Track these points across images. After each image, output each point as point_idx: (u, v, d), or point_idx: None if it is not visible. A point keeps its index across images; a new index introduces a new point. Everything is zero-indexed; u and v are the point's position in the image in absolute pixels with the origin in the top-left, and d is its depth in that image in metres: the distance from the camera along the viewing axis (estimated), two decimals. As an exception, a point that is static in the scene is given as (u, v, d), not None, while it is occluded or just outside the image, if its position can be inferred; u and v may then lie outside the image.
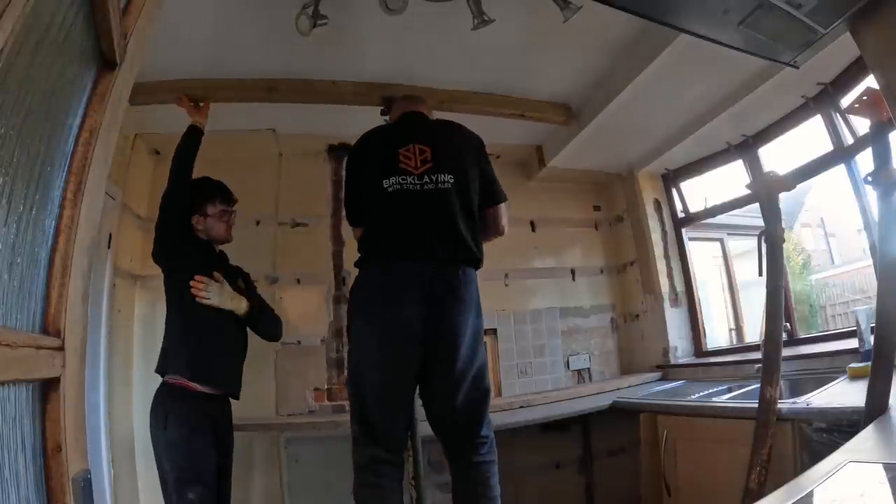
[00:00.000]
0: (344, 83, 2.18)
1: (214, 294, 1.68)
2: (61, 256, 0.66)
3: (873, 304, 1.30)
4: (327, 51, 1.97)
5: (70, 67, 0.68)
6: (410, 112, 1.74)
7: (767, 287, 1.62)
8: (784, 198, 1.69)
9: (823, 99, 2.25)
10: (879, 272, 1.30)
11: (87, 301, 0.72)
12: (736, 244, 3.89)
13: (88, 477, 0.67)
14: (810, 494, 0.74)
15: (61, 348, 0.64)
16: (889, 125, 1.29)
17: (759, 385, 1.59)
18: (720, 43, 1.39)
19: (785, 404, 1.55)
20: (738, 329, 3.36)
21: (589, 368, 3.10)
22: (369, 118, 2.05)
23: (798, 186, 1.88)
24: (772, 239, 1.62)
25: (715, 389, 2.22)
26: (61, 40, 0.64)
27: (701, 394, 2.15)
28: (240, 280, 1.84)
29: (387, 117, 2.07)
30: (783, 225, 1.64)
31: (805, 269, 8.04)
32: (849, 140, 2.20)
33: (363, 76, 2.17)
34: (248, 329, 1.83)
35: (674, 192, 3.20)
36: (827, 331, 2.53)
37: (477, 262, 1.58)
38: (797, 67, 1.54)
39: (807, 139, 2.54)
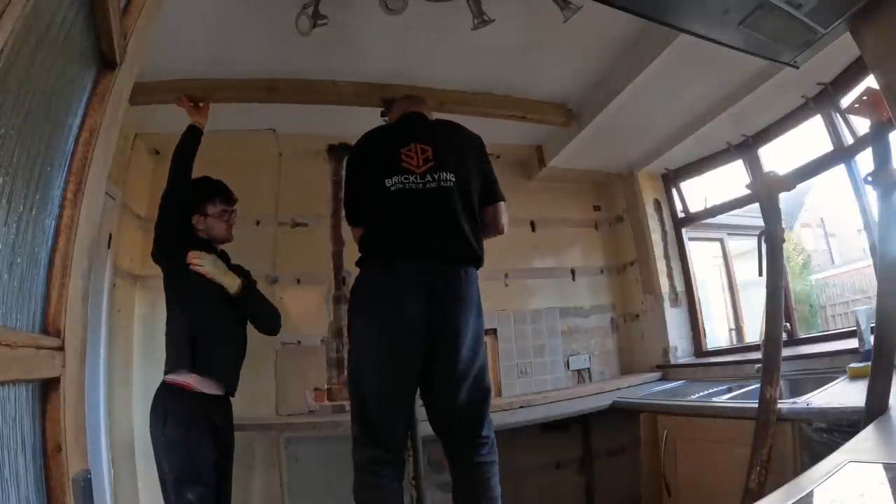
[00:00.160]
0: (344, 83, 2.18)
1: (208, 262, 1.67)
2: (61, 256, 0.66)
3: (873, 304, 1.30)
4: (327, 51, 1.97)
5: (70, 67, 0.69)
6: (410, 112, 1.74)
7: (767, 287, 1.62)
8: (784, 198, 1.69)
9: (823, 99, 2.25)
10: (879, 272, 1.30)
11: (87, 301, 0.72)
12: (736, 244, 3.89)
13: (88, 477, 0.67)
14: (810, 494, 0.74)
15: (61, 348, 0.64)
16: (889, 125, 1.29)
17: (759, 385, 1.59)
18: (720, 43, 1.38)
19: (785, 404, 1.55)
20: (738, 329, 3.36)
21: (589, 368, 3.10)
22: (369, 118, 2.05)
23: (798, 186, 1.88)
24: (772, 239, 1.62)
25: (715, 389, 2.22)
26: (61, 40, 0.64)
27: (701, 394, 2.15)
28: (244, 279, 1.84)
29: (387, 118, 2.07)
30: (783, 225, 1.64)
31: (805, 269, 8.04)
32: (849, 140, 2.20)
33: (363, 76, 2.17)
34: (247, 328, 1.83)
35: (674, 192, 3.20)
36: (827, 331, 2.53)
37: (478, 261, 1.58)
38: (797, 67, 1.54)
39: (807, 139, 2.54)
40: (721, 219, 3.15)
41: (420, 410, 1.61)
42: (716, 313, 3.88)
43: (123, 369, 2.24)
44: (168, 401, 1.61)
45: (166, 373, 1.66)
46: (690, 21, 1.34)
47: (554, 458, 2.60)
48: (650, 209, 3.13)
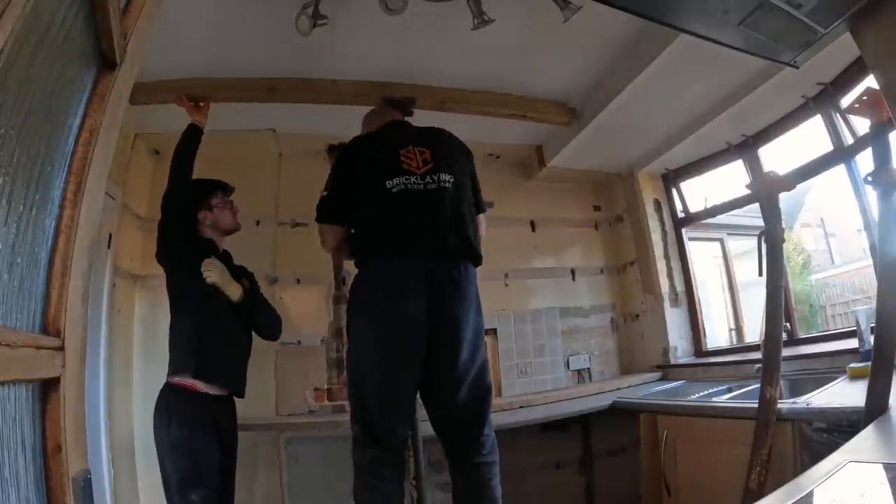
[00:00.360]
0: (344, 83, 2.17)
1: (216, 272, 1.67)
2: (61, 256, 0.66)
3: (873, 304, 1.30)
4: (327, 51, 1.97)
5: (70, 67, 0.68)
6: (393, 121, 1.76)
7: (767, 287, 1.62)
8: (784, 198, 1.69)
9: (823, 99, 2.25)
10: (879, 272, 1.30)
11: (87, 301, 0.72)
12: (736, 244, 3.89)
13: (88, 477, 0.67)
14: (810, 494, 0.74)
15: (61, 348, 0.64)
16: (889, 125, 1.29)
17: (759, 385, 1.59)
18: (720, 43, 1.38)
19: (785, 404, 1.55)
20: (738, 329, 3.36)
21: (589, 368, 3.10)
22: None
23: (798, 186, 1.88)
24: (772, 239, 1.62)
25: (715, 389, 2.22)
26: (61, 40, 0.64)
27: (701, 394, 2.15)
28: (244, 280, 1.84)
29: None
30: (783, 225, 1.64)
31: (805, 269, 8.04)
32: (849, 140, 2.20)
33: (363, 76, 2.17)
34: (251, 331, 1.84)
35: (674, 192, 3.20)
36: (827, 331, 2.53)
37: (478, 259, 1.59)
38: (797, 67, 1.54)
39: (807, 139, 2.54)
40: (721, 219, 3.16)
41: (420, 410, 1.61)
42: (716, 313, 3.88)
43: (123, 369, 2.24)
44: (172, 401, 1.61)
45: (170, 375, 1.65)
46: (690, 21, 1.34)
47: (554, 458, 2.59)
48: (650, 209, 3.13)
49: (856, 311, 1.97)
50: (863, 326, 1.79)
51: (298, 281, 2.62)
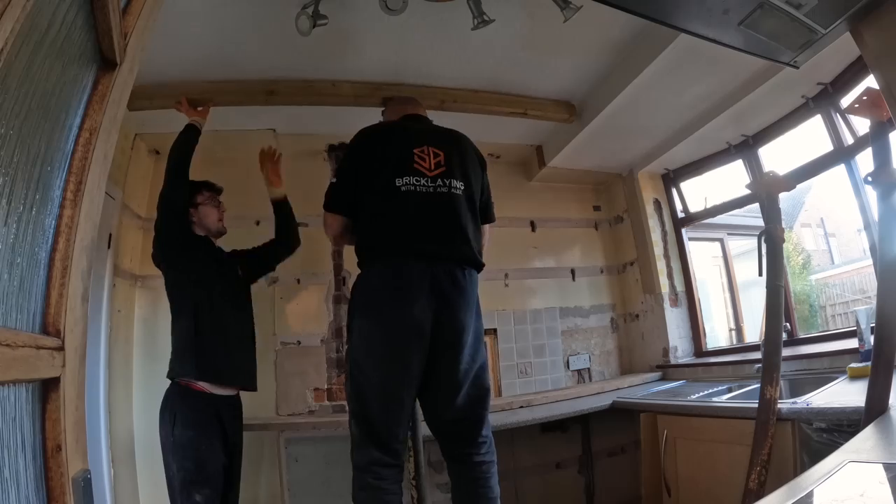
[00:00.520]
0: (343, 84, 2.17)
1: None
2: (61, 256, 0.66)
3: (873, 304, 1.30)
4: (327, 51, 1.97)
5: (70, 67, 0.68)
6: (412, 114, 1.73)
7: (767, 287, 1.62)
8: (784, 198, 1.69)
9: (823, 99, 2.25)
10: (879, 272, 1.30)
11: (87, 301, 0.72)
12: (736, 244, 3.89)
13: (88, 477, 0.67)
14: (810, 494, 0.74)
15: (61, 348, 0.64)
16: (889, 125, 1.29)
17: (759, 385, 1.59)
18: (720, 43, 1.39)
19: (785, 404, 1.55)
20: (738, 329, 3.37)
21: (589, 368, 3.10)
22: (369, 118, 2.04)
23: (798, 186, 1.88)
24: (772, 239, 1.62)
25: (715, 389, 2.22)
26: (61, 40, 0.64)
27: (701, 394, 2.15)
28: (239, 268, 1.84)
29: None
30: (783, 225, 1.64)
31: (805, 269, 8.04)
32: (849, 140, 2.20)
33: (363, 76, 2.17)
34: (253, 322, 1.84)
35: (674, 192, 3.21)
36: (827, 331, 2.53)
37: (480, 267, 1.59)
38: (797, 67, 1.54)
39: (807, 139, 2.54)
40: (721, 219, 3.16)
41: (420, 410, 1.61)
42: (716, 313, 3.88)
43: (123, 369, 2.24)
44: (177, 401, 1.61)
45: (175, 378, 1.65)
46: (690, 21, 1.34)
47: (554, 458, 2.60)
48: (650, 209, 3.13)
49: (856, 311, 1.97)
50: (863, 326, 1.79)
51: (298, 281, 2.62)
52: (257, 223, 2.57)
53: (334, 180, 1.62)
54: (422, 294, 1.42)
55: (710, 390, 2.21)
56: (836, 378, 1.79)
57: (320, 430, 2.26)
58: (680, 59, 1.96)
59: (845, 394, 1.55)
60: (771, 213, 1.64)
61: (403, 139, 1.58)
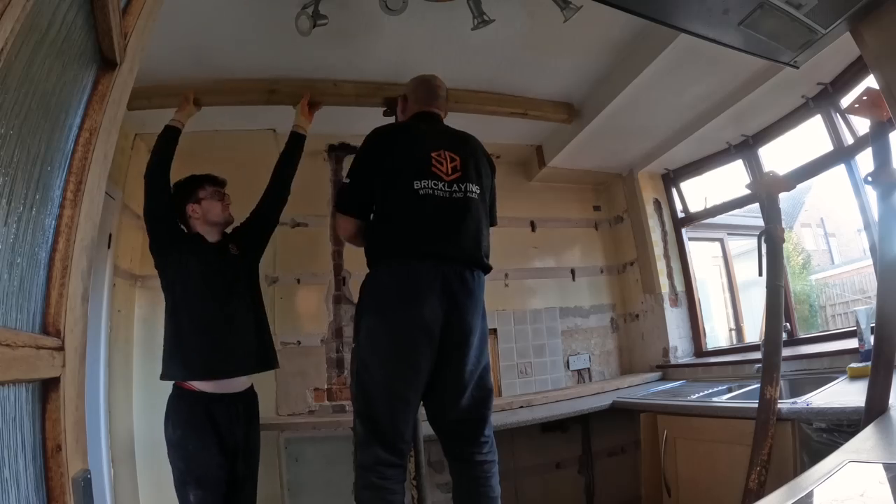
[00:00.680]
0: (345, 84, 2.17)
1: None
2: (61, 256, 0.66)
3: (873, 304, 1.30)
4: (327, 51, 1.97)
5: (70, 67, 0.68)
6: (427, 113, 1.72)
7: (767, 287, 1.62)
8: (784, 198, 1.69)
9: (823, 99, 2.25)
10: (879, 272, 1.30)
11: (87, 301, 0.72)
12: (736, 244, 3.89)
13: (88, 477, 0.67)
14: (810, 494, 0.74)
15: (61, 348, 0.64)
16: (889, 125, 1.29)
17: (759, 385, 1.59)
18: (720, 43, 1.39)
19: (785, 404, 1.55)
20: (738, 329, 3.37)
21: (589, 368, 3.10)
22: (369, 118, 2.05)
23: (798, 186, 1.88)
24: (772, 239, 1.62)
25: (715, 389, 2.22)
26: (61, 40, 0.64)
27: (701, 394, 2.15)
28: (231, 245, 1.82)
29: (391, 117, 2.08)
30: (783, 225, 1.64)
31: (805, 269, 8.04)
32: (849, 140, 2.20)
33: (364, 76, 2.17)
34: (255, 311, 1.81)
35: (674, 192, 3.21)
36: (827, 331, 2.53)
37: (488, 269, 1.61)
38: (797, 67, 1.54)
39: (807, 139, 2.54)
40: (721, 219, 3.16)
41: (420, 410, 1.61)
42: (716, 313, 3.88)
43: (123, 369, 2.24)
44: (172, 402, 1.61)
45: (165, 379, 1.65)
46: (690, 21, 1.34)
47: (554, 458, 2.60)
48: (650, 209, 3.13)
49: (856, 311, 1.97)
50: (863, 326, 1.79)
51: (298, 281, 2.62)
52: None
53: (347, 181, 1.60)
54: (432, 294, 1.43)
55: (710, 390, 2.21)
56: (836, 378, 1.79)
57: (320, 430, 2.26)
58: (680, 59, 1.96)
59: (845, 394, 1.55)
60: (771, 213, 1.64)
61: (420, 142, 1.58)
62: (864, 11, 1.29)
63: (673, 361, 2.93)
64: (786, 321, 2.18)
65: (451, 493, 1.56)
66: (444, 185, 1.52)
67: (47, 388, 0.62)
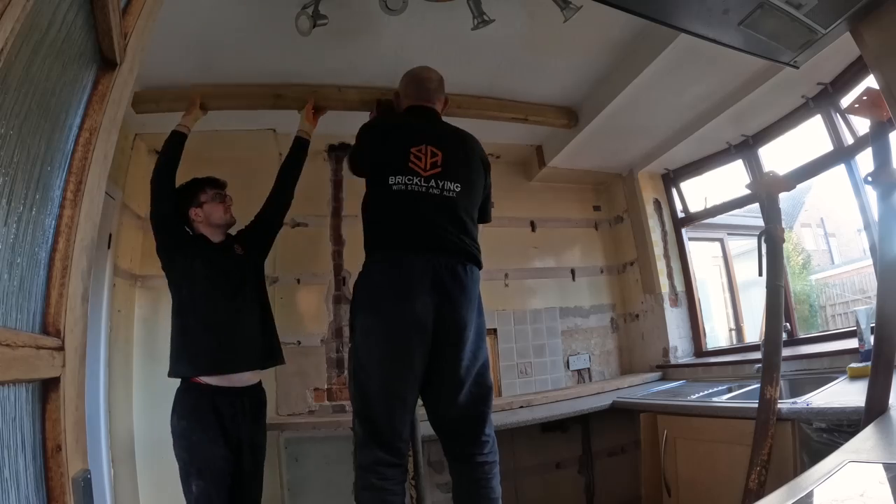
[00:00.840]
0: (349, 90, 2.17)
1: None
2: (61, 256, 0.66)
3: (873, 304, 1.30)
4: (328, 53, 1.97)
5: (70, 67, 0.68)
6: (422, 107, 1.73)
7: (767, 287, 1.62)
8: (784, 198, 1.69)
9: (823, 99, 2.25)
10: (879, 272, 1.30)
11: (87, 301, 0.72)
12: (736, 244, 3.89)
13: (88, 477, 0.67)
14: (810, 494, 0.74)
15: (61, 348, 0.64)
16: (889, 125, 1.29)
17: (759, 385, 1.59)
18: (720, 43, 1.39)
19: (785, 404, 1.55)
20: (738, 329, 3.37)
21: (589, 368, 3.10)
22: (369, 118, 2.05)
23: (798, 186, 1.88)
24: (772, 239, 1.62)
25: (715, 389, 2.22)
26: (61, 40, 0.64)
27: (701, 394, 2.15)
28: (237, 246, 1.83)
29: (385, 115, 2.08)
30: (783, 225, 1.64)
31: (805, 269, 8.04)
32: (849, 140, 2.20)
33: (365, 79, 2.16)
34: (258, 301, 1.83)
35: (674, 192, 3.21)
36: (827, 331, 2.53)
37: (480, 263, 1.59)
38: (797, 67, 1.54)
39: (807, 139, 2.54)
40: (721, 219, 3.16)
41: (419, 410, 1.61)
42: (716, 313, 3.88)
43: (123, 369, 2.24)
44: (178, 393, 1.64)
45: (171, 375, 1.66)
46: (690, 21, 1.34)
47: (554, 458, 2.60)
48: (650, 209, 3.13)
49: (856, 311, 1.97)
50: (863, 326, 1.79)
51: (298, 281, 2.62)
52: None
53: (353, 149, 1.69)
54: (423, 289, 1.42)
55: (710, 390, 2.21)
56: (836, 378, 1.79)
57: (320, 430, 2.26)
58: (680, 59, 1.96)
59: (845, 394, 1.55)
60: (771, 213, 1.64)
61: (402, 137, 1.59)
62: (864, 11, 1.29)
63: (673, 361, 2.93)
64: (786, 321, 2.18)
65: (451, 494, 1.55)
66: (420, 181, 1.52)
67: (47, 388, 0.62)
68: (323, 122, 2.47)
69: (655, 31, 1.88)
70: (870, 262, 2.79)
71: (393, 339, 1.42)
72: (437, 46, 2.01)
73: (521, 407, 2.50)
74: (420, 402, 1.57)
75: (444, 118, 1.84)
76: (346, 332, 2.57)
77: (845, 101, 2.16)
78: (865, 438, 1.01)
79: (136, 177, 2.39)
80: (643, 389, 2.60)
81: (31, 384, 0.59)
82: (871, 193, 1.50)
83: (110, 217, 2.17)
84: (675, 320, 3.01)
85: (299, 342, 2.54)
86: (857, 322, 1.84)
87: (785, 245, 1.66)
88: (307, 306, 2.61)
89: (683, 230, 3.17)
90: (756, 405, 1.55)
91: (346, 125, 2.39)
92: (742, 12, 1.26)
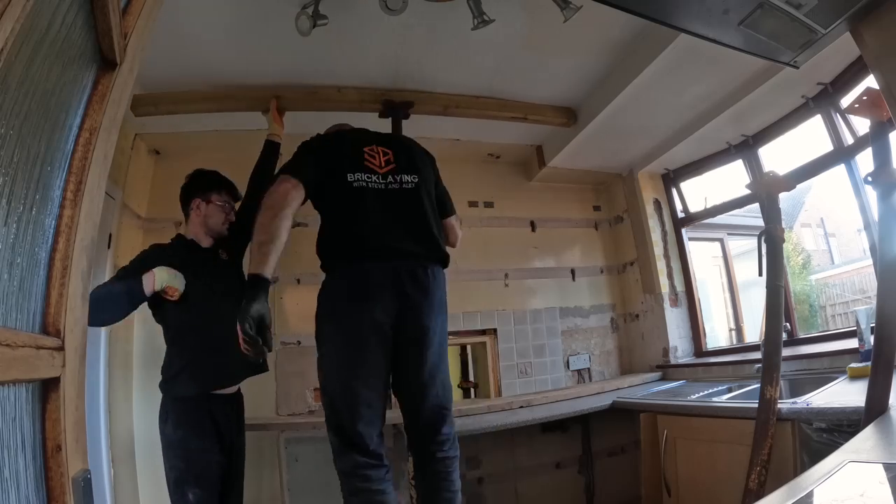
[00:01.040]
0: (349, 90, 2.18)
1: (162, 279, 1.58)
2: (61, 256, 0.66)
3: (873, 304, 1.30)
4: (330, 56, 1.98)
5: (70, 67, 0.68)
6: (352, 128, 1.79)
7: (767, 287, 1.62)
8: (784, 198, 1.69)
9: (823, 99, 2.25)
10: (879, 272, 1.30)
11: (87, 301, 0.72)
12: (736, 244, 3.89)
13: (88, 477, 0.67)
14: (810, 494, 0.74)
15: (61, 348, 0.64)
16: (889, 125, 1.29)
17: (759, 385, 1.59)
18: (720, 43, 1.39)
19: (785, 404, 1.55)
20: (738, 329, 3.37)
21: (589, 368, 3.10)
22: (369, 120, 2.05)
23: (798, 186, 1.88)
24: (772, 239, 1.62)
25: (715, 389, 2.22)
26: (61, 40, 0.64)
27: (701, 394, 2.15)
28: (221, 251, 1.82)
29: (387, 119, 2.09)
30: (783, 225, 1.64)
31: (805, 269, 8.04)
32: (849, 140, 2.20)
33: (365, 80, 2.17)
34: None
35: (674, 192, 3.21)
36: (827, 331, 2.53)
37: (445, 261, 1.60)
38: (797, 67, 1.54)
39: (807, 139, 2.54)
40: (721, 219, 3.16)
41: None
42: (716, 313, 3.88)
43: (123, 369, 2.24)
44: (170, 400, 1.61)
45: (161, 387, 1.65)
46: (690, 21, 1.34)
47: (554, 458, 2.60)
48: (650, 209, 3.13)
49: (856, 311, 1.97)
50: (863, 326, 1.79)
51: (298, 281, 2.62)
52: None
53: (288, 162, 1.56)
54: (382, 294, 1.43)
55: (710, 390, 2.21)
56: (836, 378, 1.79)
57: (320, 430, 2.23)
58: (680, 59, 1.96)
59: (845, 394, 1.55)
60: (771, 213, 1.64)
61: (353, 140, 1.62)
62: (864, 11, 1.29)
63: (673, 361, 2.93)
64: (786, 321, 2.18)
65: (415, 486, 1.58)
66: (378, 178, 1.53)
67: (47, 388, 0.62)
68: (323, 123, 2.48)
69: (655, 31, 1.88)
70: (870, 262, 2.80)
71: (354, 346, 1.42)
72: (437, 47, 2.01)
73: (521, 407, 2.50)
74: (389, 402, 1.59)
75: (440, 119, 1.85)
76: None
77: (845, 101, 2.16)
78: (865, 438, 1.01)
79: (136, 177, 2.39)
80: (643, 389, 2.60)
81: (31, 384, 0.59)
82: (871, 193, 1.50)
83: (110, 217, 2.17)
84: (675, 320, 3.01)
85: (299, 342, 2.54)
86: (857, 322, 1.84)
87: (785, 245, 1.66)
88: (307, 306, 2.58)
89: (683, 230, 3.17)
90: (756, 405, 1.55)
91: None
92: (742, 12, 1.26)
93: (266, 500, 2.32)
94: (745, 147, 2.72)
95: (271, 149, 1.98)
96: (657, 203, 3.17)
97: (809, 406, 1.49)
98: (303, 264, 2.63)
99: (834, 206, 9.39)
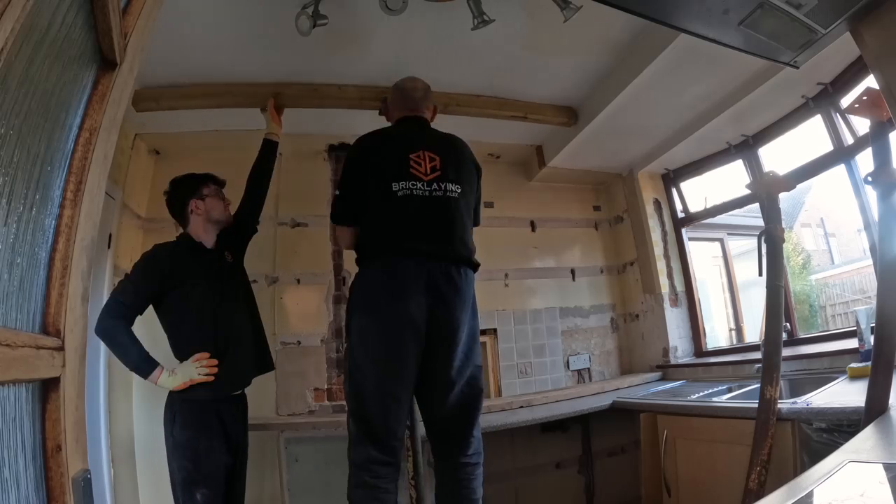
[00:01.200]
0: (349, 88, 2.18)
1: (182, 375, 1.59)
2: (61, 256, 0.66)
3: (873, 304, 1.30)
4: (329, 53, 1.98)
5: (70, 67, 0.68)
6: (409, 117, 1.74)
7: (767, 287, 1.62)
8: (784, 198, 1.69)
9: (823, 99, 2.25)
10: (879, 272, 1.30)
11: (87, 301, 0.72)
12: (736, 244, 3.89)
13: (88, 477, 0.67)
14: (810, 494, 0.74)
15: (61, 348, 0.64)
16: (889, 125, 1.29)
17: (759, 385, 1.59)
18: (720, 43, 1.39)
19: (785, 404, 1.55)
20: (738, 329, 3.37)
21: (589, 368, 3.10)
22: (369, 119, 2.05)
23: (798, 186, 1.88)
24: (772, 239, 1.62)
25: (715, 389, 2.22)
26: (61, 40, 0.64)
27: (701, 394, 2.15)
28: (227, 253, 1.82)
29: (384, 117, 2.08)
30: (783, 225, 1.64)
31: (805, 269, 8.04)
32: (849, 140, 2.20)
33: (366, 78, 2.17)
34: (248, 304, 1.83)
35: (674, 192, 3.20)
36: (827, 331, 2.53)
37: (476, 267, 1.61)
38: (797, 67, 1.54)
39: (807, 139, 2.54)
40: (721, 219, 3.16)
41: (418, 410, 1.61)
42: (716, 313, 3.88)
43: (123, 370, 2.22)
44: (177, 401, 1.61)
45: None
46: (690, 21, 1.34)
47: (554, 458, 2.60)
48: (650, 209, 3.13)
49: (856, 311, 1.97)
50: (863, 326, 1.79)
51: (298, 281, 2.62)
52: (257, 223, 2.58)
53: (338, 192, 1.65)
54: (417, 290, 1.44)
55: (710, 390, 2.21)
56: (836, 378, 1.79)
57: (320, 430, 2.26)
58: (680, 59, 1.96)
59: (845, 394, 1.55)
60: (771, 213, 1.64)
61: (399, 145, 1.61)
62: (864, 11, 1.29)
63: (673, 361, 2.93)
64: (786, 321, 2.18)
65: (435, 492, 1.56)
66: (423, 185, 1.54)
67: (47, 388, 0.62)
68: (323, 122, 2.49)
69: (655, 31, 1.88)
70: (870, 262, 2.80)
71: (388, 338, 1.43)
72: (437, 46, 2.01)
73: (521, 407, 2.50)
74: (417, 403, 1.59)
75: (439, 118, 1.84)
76: (345, 331, 2.58)
77: (845, 101, 2.16)
78: (865, 438, 1.01)
79: (136, 177, 2.39)
80: (643, 389, 2.60)
81: (31, 384, 0.59)
82: (871, 193, 1.50)
83: (110, 217, 2.17)
84: (675, 320, 3.01)
85: (299, 342, 2.54)
86: (857, 322, 1.84)
87: (785, 245, 1.66)
88: (307, 306, 2.61)
89: (683, 230, 3.17)
90: (756, 405, 1.55)
91: (346, 125, 2.41)
92: (742, 12, 1.26)
93: (266, 500, 2.32)
94: (745, 147, 2.72)
95: (269, 148, 1.98)
96: (657, 203, 3.17)
97: (809, 406, 1.49)
98: (303, 264, 2.64)
99: (834, 206, 9.39)
